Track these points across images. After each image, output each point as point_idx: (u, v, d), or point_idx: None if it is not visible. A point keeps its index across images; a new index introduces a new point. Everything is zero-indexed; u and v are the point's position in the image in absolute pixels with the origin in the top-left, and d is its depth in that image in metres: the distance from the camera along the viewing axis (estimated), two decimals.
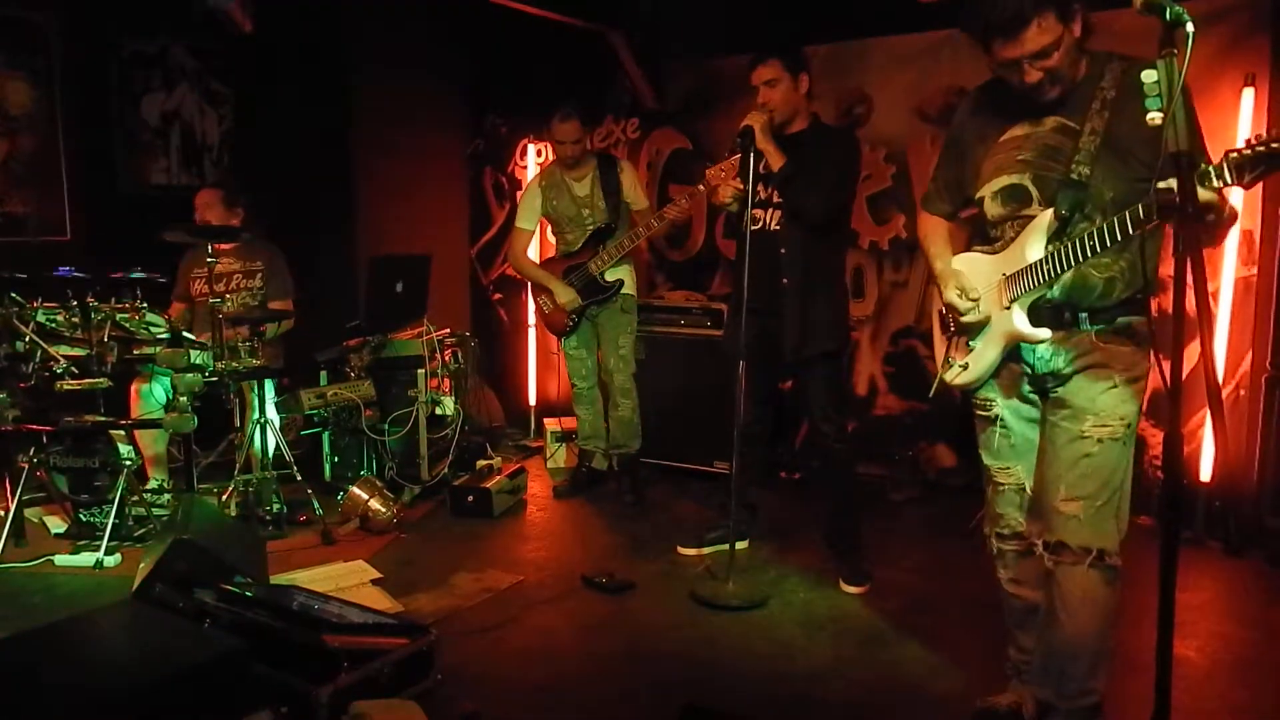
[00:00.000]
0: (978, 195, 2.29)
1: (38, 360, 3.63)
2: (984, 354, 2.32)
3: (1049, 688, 2.27)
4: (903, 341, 4.85)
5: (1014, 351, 2.29)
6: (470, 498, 4.29)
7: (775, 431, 4.37)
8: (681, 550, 3.84)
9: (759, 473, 3.93)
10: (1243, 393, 3.96)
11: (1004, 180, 2.22)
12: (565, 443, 5.16)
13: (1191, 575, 3.52)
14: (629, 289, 4.53)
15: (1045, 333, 2.18)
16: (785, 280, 3.43)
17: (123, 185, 4.94)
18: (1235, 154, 1.73)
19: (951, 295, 2.32)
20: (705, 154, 5.18)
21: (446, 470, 4.62)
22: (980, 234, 2.37)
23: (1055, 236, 2.13)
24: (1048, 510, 2.21)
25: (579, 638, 3.14)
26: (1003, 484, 2.39)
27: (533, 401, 5.95)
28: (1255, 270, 3.92)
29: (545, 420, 5.39)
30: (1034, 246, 2.14)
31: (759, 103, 3.38)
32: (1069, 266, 2.07)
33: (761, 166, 3.40)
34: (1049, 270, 2.10)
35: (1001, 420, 2.36)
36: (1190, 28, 1.63)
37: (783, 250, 3.44)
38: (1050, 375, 2.23)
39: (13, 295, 3.64)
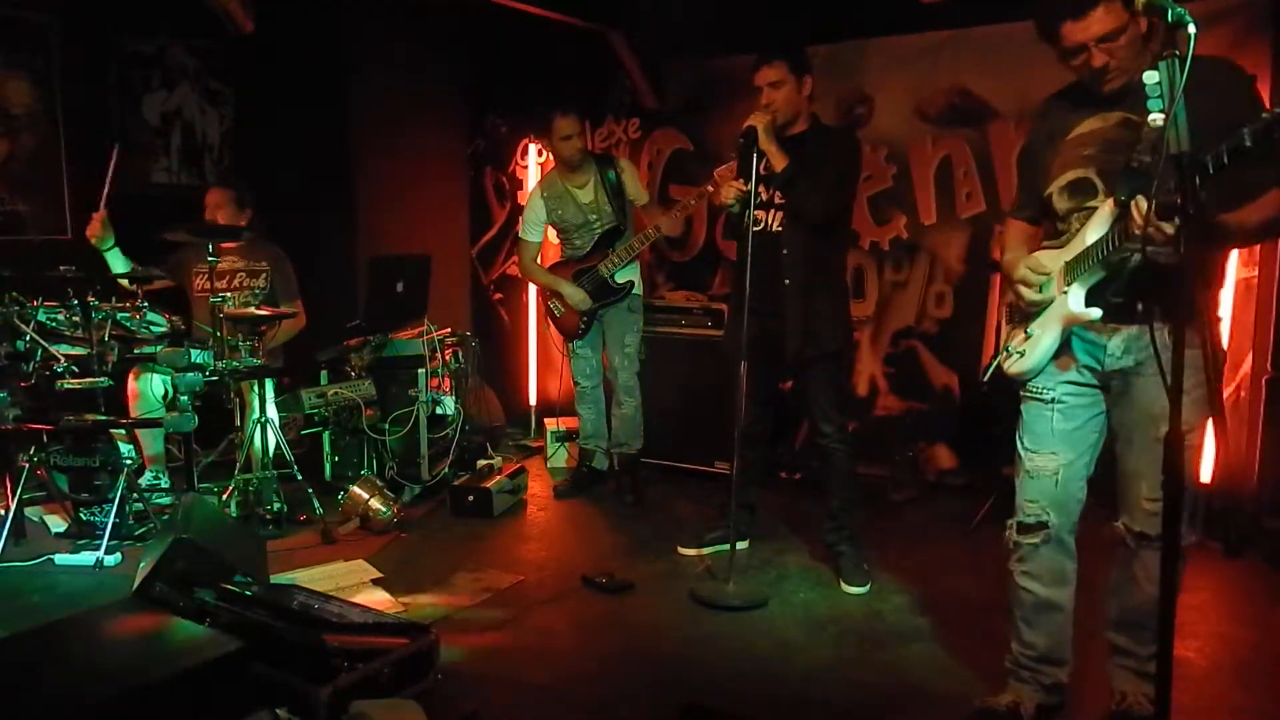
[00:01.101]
0: (1046, 192, 2.35)
1: (38, 359, 3.63)
2: (1041, 340, 2.35)
3: (1124, 636, 2.40)
4: (903, 342, 4.85)
5: (1068, 344, 2.33)
6: (470, 497, 4.29)
7: (775, 432, 4.37)
8: (681, 550, 3.84)
9: (759, 473, 3.93)
10: (1243, 394, 3.96)
11: (1070, 175, 2.28)
12: (565, 442, 5.16)
13: (1191, 576, 3.50)
14: (637, 289, 4.53)
15: (1097, 311, 2.21)
16: (787, 281, 3.43)
17: (123, 185, 4.92)
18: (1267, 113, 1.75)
19: (1023, 272, 2.36)
20: (706, 154, 5.18)
21: (447, 470, 4.62)
22: (1051, 235, 2.41)
23: (1116, 223, 2.16)
24: (1133, 505, 2.31)
25: (579, 638, 3.14)
26: (1038, 468, 2.41)
27: (533, 401, 5.95)
28: (1256, 272, 3.92)
29: (545, 420, 5.39)
30: (1095, 233, 2.19)
31: (762, 103, 3.37)
32: (1121, 245, 2.09)
33: (763, 168, 3.39)
34: (1104, 249, 2.14)
35: (1059, 402, 2.38)
36: (1192, 29, 1.63)
37: (785, 251, 3.43)
38: (1117, 374, 2.28)
39: (13, 294, 3.64)
